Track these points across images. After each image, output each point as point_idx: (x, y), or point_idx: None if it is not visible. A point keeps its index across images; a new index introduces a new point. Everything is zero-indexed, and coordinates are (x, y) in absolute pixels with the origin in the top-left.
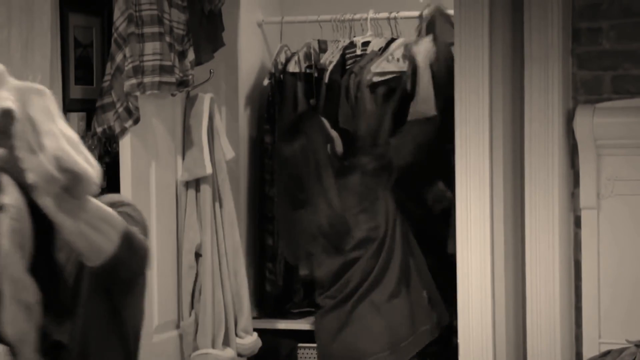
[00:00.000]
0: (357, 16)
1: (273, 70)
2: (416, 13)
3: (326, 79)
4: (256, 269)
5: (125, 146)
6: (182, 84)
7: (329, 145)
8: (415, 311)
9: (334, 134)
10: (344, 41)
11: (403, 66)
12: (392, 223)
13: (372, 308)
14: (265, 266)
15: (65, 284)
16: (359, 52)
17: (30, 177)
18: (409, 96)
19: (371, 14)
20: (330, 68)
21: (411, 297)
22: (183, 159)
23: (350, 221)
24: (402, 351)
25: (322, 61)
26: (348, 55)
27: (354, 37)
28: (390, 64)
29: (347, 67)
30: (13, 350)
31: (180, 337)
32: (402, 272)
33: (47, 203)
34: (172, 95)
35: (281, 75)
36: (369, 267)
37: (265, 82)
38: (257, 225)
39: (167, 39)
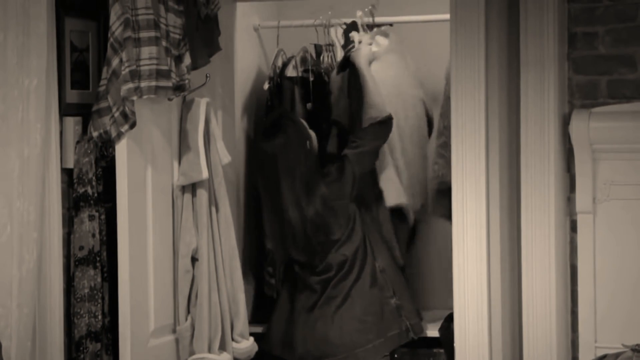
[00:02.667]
0: (350, 19)
1: (272, 75)
2: (411, 17)
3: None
4: (254, 273)
5: (122, 150)
6: (178, 88)
7: (307, 142)
8: (383, 316)
9: (312, 133)
10: (341, 42)
11: None
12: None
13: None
14: (266, 270)
15: None
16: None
17: None
18: None
19: (364, 18)
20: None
21: (380, 302)
22: (179, 163)
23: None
24: (369, 352)
25: (324, 65)
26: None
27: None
28: None
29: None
30: None
31: (177, 341)
32: (372, 279)
33: None
34: (169, 99)
35: (278, 80)
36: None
37: (266, 86)
38: (254, 229)
39: (164, 43)
